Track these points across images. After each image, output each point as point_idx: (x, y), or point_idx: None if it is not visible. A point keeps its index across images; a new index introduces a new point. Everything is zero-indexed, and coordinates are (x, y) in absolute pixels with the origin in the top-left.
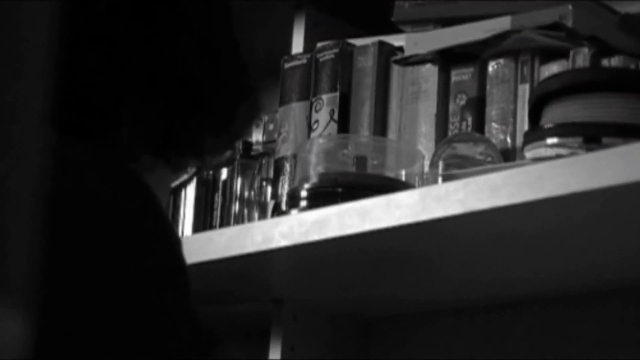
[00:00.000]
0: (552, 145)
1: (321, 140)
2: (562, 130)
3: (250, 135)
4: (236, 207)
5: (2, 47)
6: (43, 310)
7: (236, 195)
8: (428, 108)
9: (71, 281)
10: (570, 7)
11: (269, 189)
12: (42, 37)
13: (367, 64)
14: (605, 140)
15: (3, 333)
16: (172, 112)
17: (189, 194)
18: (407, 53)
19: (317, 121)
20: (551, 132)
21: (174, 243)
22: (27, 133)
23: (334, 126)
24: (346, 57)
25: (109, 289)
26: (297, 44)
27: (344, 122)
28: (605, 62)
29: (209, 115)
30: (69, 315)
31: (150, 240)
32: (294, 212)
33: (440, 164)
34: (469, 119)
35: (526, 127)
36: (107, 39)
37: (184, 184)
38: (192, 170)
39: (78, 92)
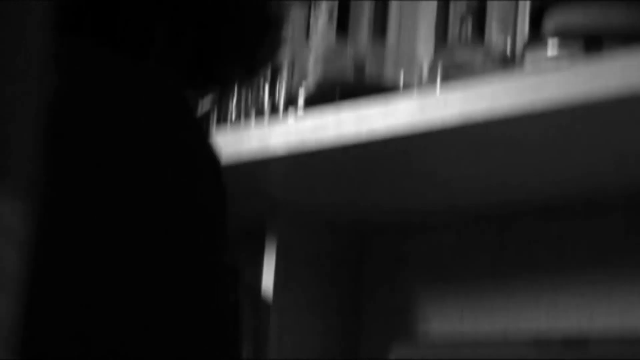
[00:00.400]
0: (553, 52)
1: (320, 44)
2: (563, 36)
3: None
4: (233, 112)
5: None
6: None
7: (233, 100)
8: (429, 13)
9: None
10: None
11: (266, 93)
12: None
13: None
14: (606, 46)
15: (8, 218)
16: (201, 37)
17: None
18: None
19: (315, 24)
20: (552, 39)
21: (218, 170)
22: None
23: (333, 29)
24: None
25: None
26: None
27: (343, 25)
28: None
29: (235, 43)
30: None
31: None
32: (291, 116)
33: (439, 70)
34: (469, 25)
35: (527, 33)
36: None
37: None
38: (211, 98)
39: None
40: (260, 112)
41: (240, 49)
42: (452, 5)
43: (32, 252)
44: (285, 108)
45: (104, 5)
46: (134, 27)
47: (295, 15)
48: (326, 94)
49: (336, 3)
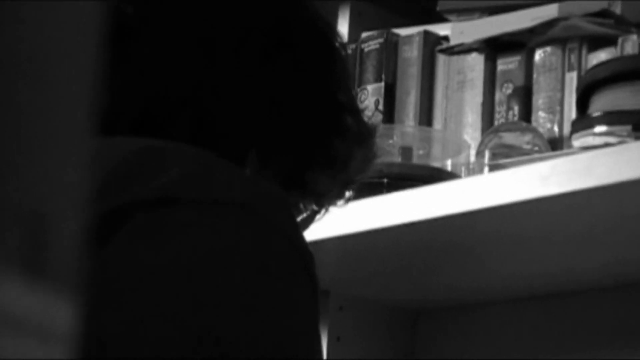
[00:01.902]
0: (601, 134)
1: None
2: (611, 118)
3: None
4: None
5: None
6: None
7: None
8: (474, 97)
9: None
10: None
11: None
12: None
13: (412, 53)
14: None
15: (53, 319)
16: (299, 158)
17: None
18: (452, 42)
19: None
20: (599, 121)
21: (308, 258)
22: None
23: (379, 116)
24: (391, 47)
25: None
26: (342, 34)
27: (389, 112)
28: None
29: (330, 159)
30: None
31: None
32: (340, 202)
33: (487, 154)
34: (516, 108)
35: (574, 115)
36: (242, 71)
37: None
38: (307, 212)
39: (211, 120)
40: None
41: (334, 164)
42: (498, 88)
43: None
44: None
45: (202, 126)
46: (229, 151)
47: None
48: (374, 179)
49: (382, 90)
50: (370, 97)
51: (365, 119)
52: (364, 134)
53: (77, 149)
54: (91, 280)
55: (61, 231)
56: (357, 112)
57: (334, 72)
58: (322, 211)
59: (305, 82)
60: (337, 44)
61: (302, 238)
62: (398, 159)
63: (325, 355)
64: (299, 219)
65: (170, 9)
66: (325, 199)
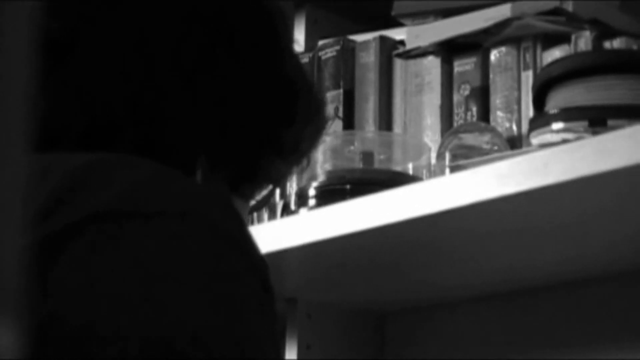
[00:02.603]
0: (558, 131)
1: (327, 138)
2: (567, 114)
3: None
4: None
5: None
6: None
7: None
8: (432, 100)
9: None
10: None
11: (277, 189)
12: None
13: (369, 59)
14: (610, 122)
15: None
16: (249, 153)
17: None
18: (408, 46)
19: None
20: (556, 118)
21: (261, 266)
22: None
23: (339, 123)
24: (348, 54)
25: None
26: (298, 43)
27: (349, 118)
28: (607, 45)
29: (281, 146)
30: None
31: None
32: (303, 211)
33: (447, 156)
34: (474, 109)
35: (531, 113)
36: (183, 74)
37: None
38: (261, 196)
39: (151, 137)
40: (272, 208)
41: (285, 146)
42: (455, 89)
43: None
44: (297, 202)
45: (147, 137)
46: (177, 159)
47: None
48: (336, 186)
49: (341, 96)
50: (329, 104)
51: (314, 89)
52: (314, 110)
53: (13, 168)
54: (44, 297)
55: (7, 261)
56: (306, 87)
57: (278, 50)
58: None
59: (249, 73)
60: (277, 17)
61: (254, 246)
62: (359, 165)
63: None
64: (258, 199)
65: (100, 19)
66: (278, 181)
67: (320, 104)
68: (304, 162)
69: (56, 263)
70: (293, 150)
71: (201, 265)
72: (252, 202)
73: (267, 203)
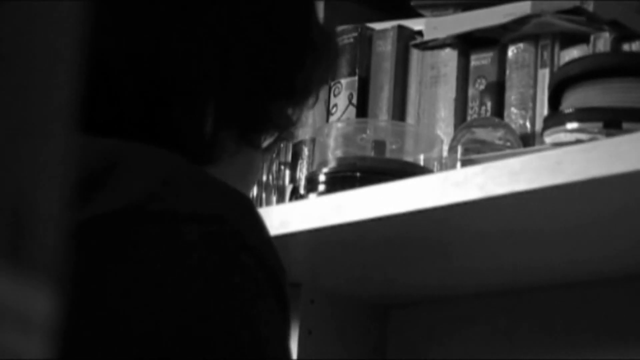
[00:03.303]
0: (572, 130)
1: (339, 125)
2: (582, 115)
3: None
4: (254, 190)
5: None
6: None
7: None
8: (447, 93)
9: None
10: None
11: (287, 173)
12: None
13: (386, 48)
14: (625, 125)
15: (32, 308)
16: (243, 90)
17: None
18: (426, 37)
19: (335, 105)
20: (571, 117)
21: (277, 271)
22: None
23: (352, 110)
24: (365, 41)
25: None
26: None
27: (362, 106)
28: (626, 47)
29: (279, 84)
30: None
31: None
32: (312, 196)
33: (459, 149)
34: (488, 104)
35: (546, 112)
36: (178, 28)
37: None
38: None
39: (158, 84)
40: (281, 192)
41: (291, 91)
42: (471, 83)
43: (59, 344)
44: (306, 187)
45: (154, 85)
46: (186, 106)
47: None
48: (346, 173)
49: (356, 84)
50: (344, 90)
51: (325, 32)
52: (325, 54)
53: (59, 143)
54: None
55: (42, 224)
56: (317, 30)
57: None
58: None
59: (259, 18)
60: None
61: (273, 251)
62: (371, 153)
63: (297, 349)
64: (266, 144)
65: None
66: (288, 128)
67: (331, 47)
68: (311, 104)
69: (86, 251)
70: (303, 94)
71: (220, 276)
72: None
73: (278, 146)
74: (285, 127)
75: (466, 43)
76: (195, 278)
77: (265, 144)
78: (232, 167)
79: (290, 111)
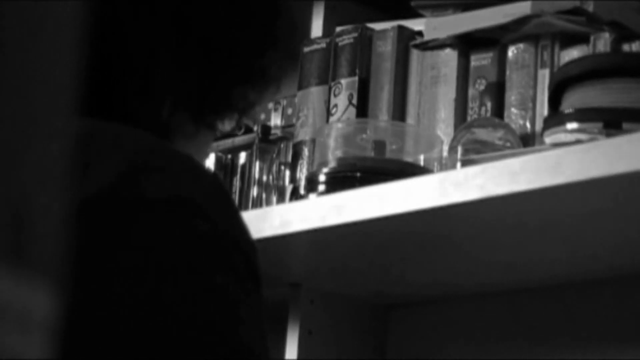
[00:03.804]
0: (572, 131)
1: (340, 125)
2: (582, 115)
3: (268, 118)
4: (254, 191)
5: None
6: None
7: (254, 179)
8: (447, 93)
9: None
10: None
11: (287, 173)
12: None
13: (386, 48)
14: (625, 125)
15: (32, 307)
16: (203, 73)
17: None
18: (426, 37)
19: (335, 105)
20: (571, 118)
21: (249, 251)
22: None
23: (352, 111)
24: (365, 42)
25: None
26: (316, 28)
27: (362, 106)
28: (626, 47)
29: (240, 67)
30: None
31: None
32: (312, 196)
33: (459, 149)
34: (488, 104)
35: (546, 112)
36: (134, 5)
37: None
38: (236, 128)
39: (113, 67)
40: (281, 192)
41: (246, 71)
42: (471, 84)
43: (58, 344)
44: (307, 187)
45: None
46: (139, 76)
47: (315, 96)
48: (346, 173)
49: (356, 84)
50: (344, 91)
51: (285, 12)
52: (284, 35)
53: (59, 143)
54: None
55: (42, 224)
56: (268, 14)
57: None
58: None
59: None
60: None
61: (244, 230)
62: (371, 154)
63: (297, 349)
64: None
65: None
66: (247, 109)
67: (291, 28)
68: (273, 88)
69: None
70: (260, 75)
71: (190, 258)
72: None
73: (238, 130)
74: (244, 111)
75: (466, 43)
76: (169, 264)
77: (224, 126)
78: (189, 148)
79: (250, 95)
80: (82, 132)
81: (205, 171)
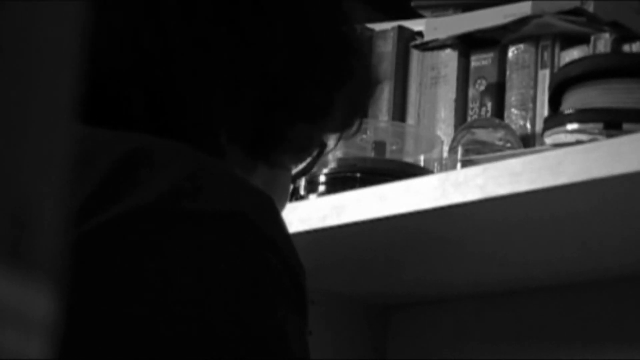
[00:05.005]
0: (573, 131)
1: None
2: (583, 116)
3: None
4: None
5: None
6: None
7: None
8: (447, 93)
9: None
10: None
11: (318, 156)
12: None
13: (386, 48)
14: (626, 126)
15: (32, 309)
16: (260, 108)
17: None
18: (426, 38)
19: None
20: (571, 118)
21: (298, 273)
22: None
23: None
24: (365, 42)
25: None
26: None
27: None
28: (626, 48)
29: (301, 105)
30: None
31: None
32: (312, 196)
33: (459, 150)
34: (489, 105)
35: (546, 112)
36: (188, 39)
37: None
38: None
39: (167, 98)
40: None
41: (308, 109)
42: (471, 84)
43: (58, 345)
44: (307, 188)
45: (158, 103)
46: (195, 108)
47: None
48: (346, 174)
49: None
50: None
51: (354, 51)
52: (349, 73)
53: (60, 138)
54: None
55: (42, 223)
56: (338, 47)
57: (306, 6)
58: (323, 150)
59: (270, 31)
60: None
61: (292, 248)
62: (371, 154)
63: None
64: (300, 167)
65: None
66: (314, 147)
67: (364, 67)
68: (347, 128)
69: (103, 253)
70: (322, 114)
71: (241, 278)
72: (294, 171)
73: (309, 170)
74: (306, 149)
75: (466, 44)
76: (222, 278)
77: (292, 164)
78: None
79: (312, 131)
80: (137, 147)
81: (254, 187)
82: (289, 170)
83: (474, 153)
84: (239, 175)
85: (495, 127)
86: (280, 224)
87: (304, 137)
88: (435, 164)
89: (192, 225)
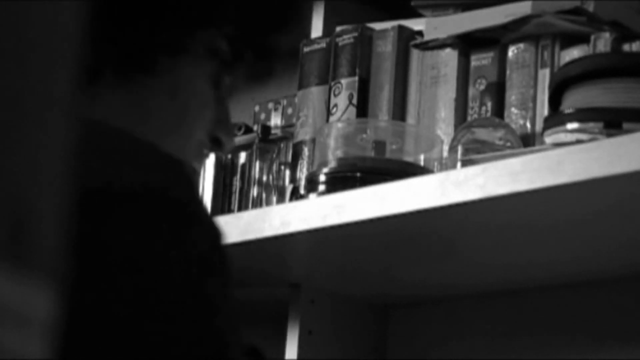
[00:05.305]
0: (573, 131)
1: (340, 125)
2: (583, 115)
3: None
4: (254, 191)
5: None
6: (77, 292)
7: (254, 179)
8: (447, 93)
9: (108, 264)
10: None
11: (288, 173)
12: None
13: (386, 48)
14: (626, 125)
15: (32, 309)
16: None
17: (207, 177)
18: (426, 37)
19: (335, 105)
20: (571, 117)
21: (215, 235)
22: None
23: (352, 110)
24: (365, 42)
25: (146, 275)
26: (316, 28)
27: (362, 106)
28: (626, 47)
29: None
30: (104, 298)
31: (192, 231)
32: (312, 196)
33: (460, 149)
34: (489, 104)
35: (546, 112)
36: None
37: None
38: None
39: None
40: (281, 192)
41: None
42: (471, 84)
43: (58, 343)
44: (307, 187)
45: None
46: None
47: (315, 95)
48: (347, 173)
49: (356, 84)
50: (344, 91)
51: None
52: None
53: (59, 142)
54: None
55: (42, 224)
56: None
57: None
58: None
59: None
60: None
61: (205, 211)
62: (371, 154)
63: (297, 349)
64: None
65: None
66: (198, 49)
67: None
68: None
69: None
70: (179, 14)
71: (173, 250)
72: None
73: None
74: (165, 46)
75: (466, 43)
76: (150, 255)
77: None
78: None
79: (182, 32)
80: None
81: (170, 158)
82: (195, 77)
83: (474, 152)
84: (156, 147)
85: (496, 127)
86: (192, 189)
87: (173, 38)
88: (435, 164)
89: (112, 205)
